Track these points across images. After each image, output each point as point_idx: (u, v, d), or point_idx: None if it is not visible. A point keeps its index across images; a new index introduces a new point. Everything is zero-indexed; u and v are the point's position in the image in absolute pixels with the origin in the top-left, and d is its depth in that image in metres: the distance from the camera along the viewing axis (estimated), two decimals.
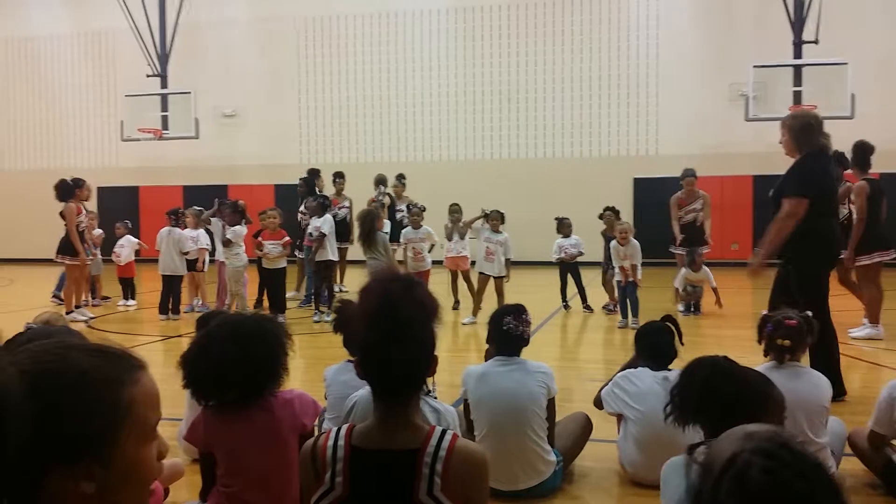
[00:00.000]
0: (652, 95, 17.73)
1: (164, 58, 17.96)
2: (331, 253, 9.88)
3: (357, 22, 19.22)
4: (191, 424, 2.89)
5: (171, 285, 10.24)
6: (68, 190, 10.08)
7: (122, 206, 17.87)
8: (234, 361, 2.67)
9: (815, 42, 14.69)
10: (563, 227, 10.41)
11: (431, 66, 18.88)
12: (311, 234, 10.09)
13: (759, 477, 1.19)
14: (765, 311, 4.04)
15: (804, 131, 5.38)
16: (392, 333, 1.82)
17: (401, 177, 12.40)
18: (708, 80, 17.05)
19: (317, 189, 11.55)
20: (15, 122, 21.50)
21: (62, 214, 10.04)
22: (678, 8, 17.62)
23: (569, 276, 10.30)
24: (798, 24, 15.06)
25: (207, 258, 10.84)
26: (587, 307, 10.21)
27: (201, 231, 10.85)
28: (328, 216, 10.01)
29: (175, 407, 5.01)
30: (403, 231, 10.34)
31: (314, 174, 11.76)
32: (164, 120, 17.37)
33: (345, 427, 1.94)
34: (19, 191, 20.30)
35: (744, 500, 1.19)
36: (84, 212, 10.38)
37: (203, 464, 2.91)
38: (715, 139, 17.08)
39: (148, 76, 17.82)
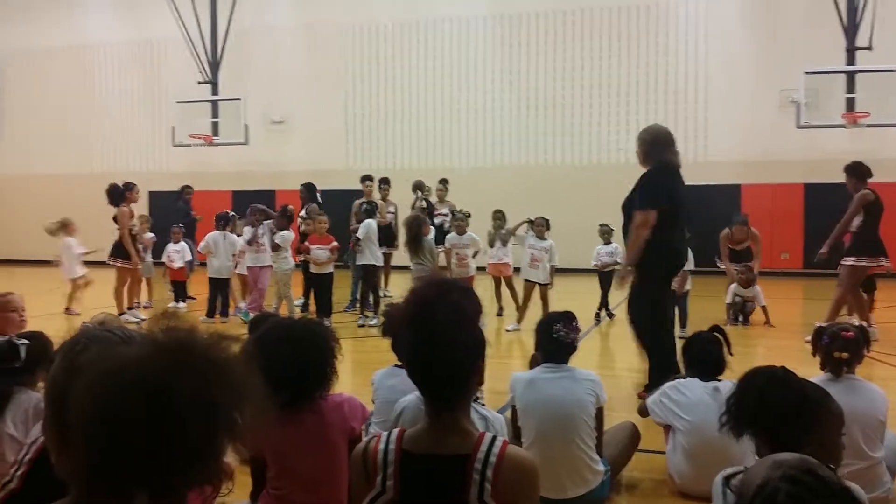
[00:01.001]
0: (700, 101, 17.49)
1: (214, 65, 18.31)
2: (372, 257, 9.94)
3: (401, 30, 19.35)
4: None
5: (221, 288, 10.38)
6: (119, 194, 10.24)
7: (172, 211, 18.18)
8: (285, 364, 2.70)
9: (869, 48, 14.39)
10: (602, 234, 10.36)
11: (476, 72, 18.91)
12: (357, 239, 10.21)
13: (786, 501, 1.30)
14: (819, 323, 3.97)
15: (653, 145, 5.70)
16: (427, 336, 1.85)
17: (444, 181, 12.46)
18: (758, 87, 16.78)
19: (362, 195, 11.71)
20: (69, 127, 22.05)
21: (115, 218, 10.23)
22: (726, 13, 17.38)
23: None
24: (851, 29, 14.77)
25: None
26: (608, 314, 10.29)
27: (230, 235, 10.84)
28: (368, 222, 10.07)
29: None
30: (448, 237, 10.35)
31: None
32: (215, 126, 17.68)
33: (396, 431, 1.95)
34: (72, 194, 20.79)
35: None
36: (135, 215, 10.54)
37: (253, 466, 2.94)
38: (765, 146, 16.81)
39: (199, 83, 18.17)
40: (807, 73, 14.39)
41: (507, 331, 9.23)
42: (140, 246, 11.37)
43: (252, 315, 9.70)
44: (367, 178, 12.03)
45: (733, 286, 9.68)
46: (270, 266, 10.31)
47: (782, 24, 16.80)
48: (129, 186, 10.42)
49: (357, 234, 9.98)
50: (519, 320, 9.38)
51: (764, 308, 9.47)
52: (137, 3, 20.87)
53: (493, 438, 1.87)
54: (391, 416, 3.28)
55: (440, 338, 1.84)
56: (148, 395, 1.08)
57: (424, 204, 11.84)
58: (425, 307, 1.88)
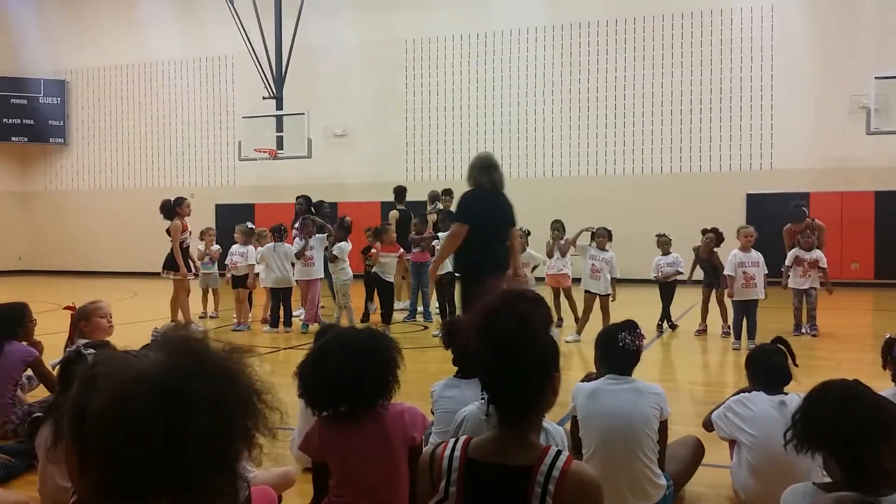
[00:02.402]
0: (766, 108, 17.13)
1: (279, 81, 18.67)
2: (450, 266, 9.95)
3: (460, 42, 19.47)
4: (305, 435, 2.98)
5: (281, 298, 10.50)
6: (171, 208, 10.41)
7: (238, 223, 18.55)
8: (348, 373, 2.75)
9: None
10: (661, 244, 10.22)
11: (536, 82, 18.88)
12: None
13: None
14: (889, 335, 3.85)
15: (472, 169, 6.60)
16: (491, 346, 1.85)
17: None
18: (826, 92, 16.36)
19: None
20: (139, 143, 22.78)
21: (168, 232, 10.37)
22: (792, 18, 17.00)
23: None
24: None
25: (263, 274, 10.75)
26: (671, 325, 10.16)
27: (250, 247, 10.87)
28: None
29: (287, 417, 5.18)
30: None
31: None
32: (279, 140, 18.01)
33: (462, 438, 1.96)
34: (143, 208, 21.33)
35: None
36: (188, 228, 10.56)
37: (315, 473, 2.98)
38: (833, 153, 16.36)
39: (264, 98, 18.56)
40: (877, 77, 13.98)
41: (567, 342, 9.15)
42: (207, 258, 11.62)
43: (310, 326, 9.89)
44: (444, 194, 12.05)
45: (795, 250, 9.62)
46: (320, 279, 10.37)
47: (851, 29, 16.36)
48: (179, 201, 10.48)
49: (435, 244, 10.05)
50: (579, 331, 9.32)
51: (824, 269, 9.47)
52: (204, 20, 21.46)
53: (559, 453, 1.86)
54: (451, 427, 3.30)
55: (504, 348, 1.83)
56: (164, 400, 1.10)
57: (434, 217, 11.74)
58: (490, 316, 1.88)
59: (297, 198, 11.60)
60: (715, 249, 9.78)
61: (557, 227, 10.42)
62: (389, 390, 2.85)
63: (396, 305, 11.56)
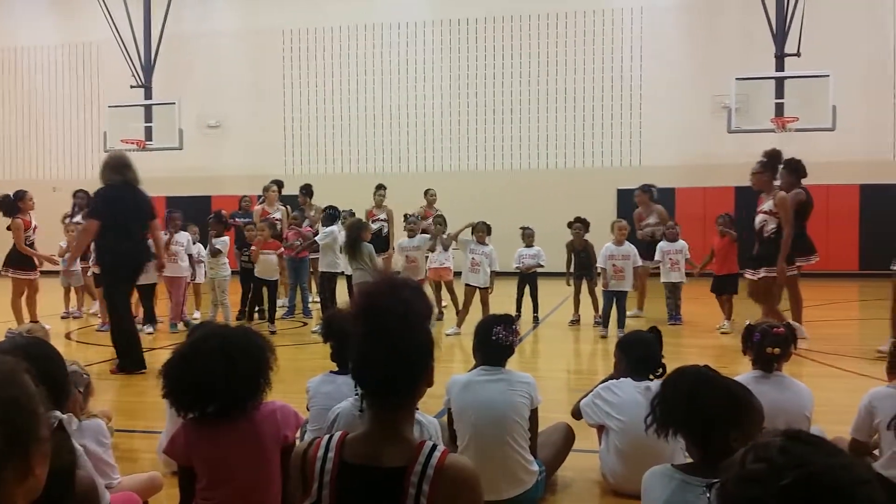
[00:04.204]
0: (636, 107, 17.84)
1: (148, 69, 17.93)
2: (332, 264, 9.77)
3: (343, 34, 19.26)
4: (171, 437, 2.86)
5: (147, 295, 10.04)
6: (11, 205, 9.76)
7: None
8: (219, 373, 2.64)
9: (797, 55, 14.85)
10: (525, 236, 10.44)
11: (417, 77, 18.93)
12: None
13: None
14: (749, 321, 4.06)
15: (103, 168, 7.05)
16: (373, 329, 1.81)
17: (381, 187, 12.37)
18: (691, 93, 17.18)
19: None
20: None
21: (9, 228, 9.73)
22: (662, 21, 17.76)
23: (527, 286, 10.29)
24: (780, 36, 15.23)
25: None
26: (518, 314, 10.18)
27: None
28: (332, 228, 9.86)
29: (155, 420, 4.99)
30: (399, 241, 10.44)
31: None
32: (148, 131, 17.30)
33: (337, 436, 1.89)
34: None
35: None
36: (32, 224, 9.90)
37: (182, 477, 2.86)
38: (698, 150, 17.20)
39: (132, 87, 17.78)
40: (738, 79, 14.78)
41: (447, 335, 9.24)
42: (69, 254, 11.00)
43: (178, 325, 9.56)
44: (275, 183, 11.89)
45: (662, 243, 10.14)
46: (183, 277, 9.96)
47: (714, 32, 17.24)
48: (20, 195, 9.83)
49: (316, 239, 9.88)
50: (459, 324, 9.40)
51: (689, 260, 10.16)
52: (70, 5, 20.33)
53: (433, 449, 1.82)
54: (325, 424, 3.25)
55: (386, 332, 1.79)
56: None
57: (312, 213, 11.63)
58: (374, 300, 1.84)
59: (77, 192, 11.11)
60: (586, 237, 10.07)
61: (439, 221, 10.50)
62: (261, 390, 2.76)
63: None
